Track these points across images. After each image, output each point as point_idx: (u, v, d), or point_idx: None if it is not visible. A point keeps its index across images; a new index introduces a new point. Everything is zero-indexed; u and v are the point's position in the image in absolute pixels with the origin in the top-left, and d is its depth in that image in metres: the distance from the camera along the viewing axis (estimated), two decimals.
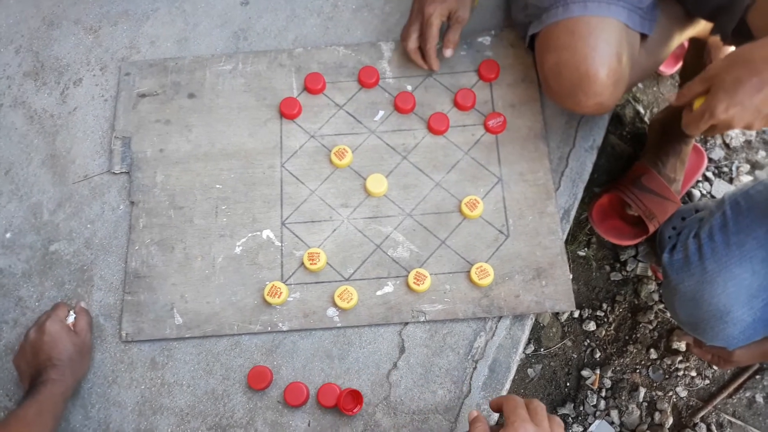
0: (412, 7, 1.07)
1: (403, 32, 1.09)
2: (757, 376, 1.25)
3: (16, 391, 1.00)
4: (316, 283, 1.01)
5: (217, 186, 1.07)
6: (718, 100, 0.76)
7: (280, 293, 0.99)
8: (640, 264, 1.32)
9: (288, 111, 1.10)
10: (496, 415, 0.96)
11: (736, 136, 1.42)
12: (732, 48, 1.04)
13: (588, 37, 0.91)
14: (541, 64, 0.98)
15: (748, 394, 1.25)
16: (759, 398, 1.24)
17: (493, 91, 1.11)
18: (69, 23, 1.23)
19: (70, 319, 0.99)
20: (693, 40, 1.22)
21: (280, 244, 1.04)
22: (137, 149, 1.11)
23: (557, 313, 1.29)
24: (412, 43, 1.08)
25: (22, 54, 1.21)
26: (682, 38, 1.09)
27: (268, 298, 0.99)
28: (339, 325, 1.00)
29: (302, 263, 1.02)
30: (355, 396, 0.95)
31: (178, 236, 1.05)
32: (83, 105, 1.16)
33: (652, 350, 1.27)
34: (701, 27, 1.10)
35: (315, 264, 1.01)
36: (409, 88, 1.12)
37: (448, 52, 1.08)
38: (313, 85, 1.11)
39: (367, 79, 1.11)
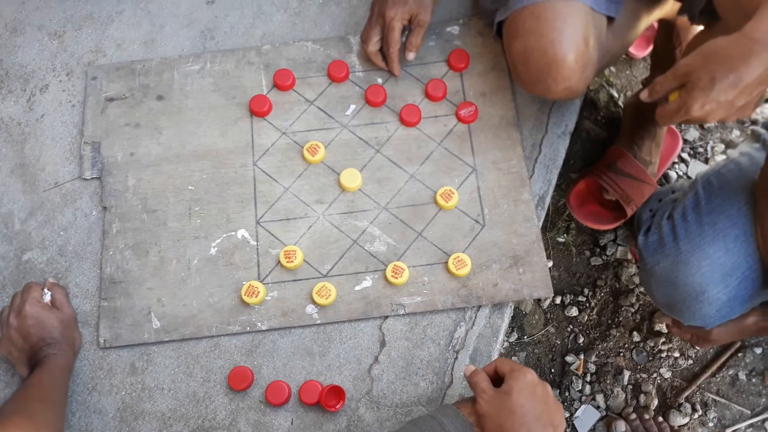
0: (372, 10, 1.05)
1: (363, 34, 1.07)
2: (740, 354, 1.26)
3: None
4: (294, 281, 1.01)
5: (190, 187, 1.06)
6: (693, 98, 0.75)
7: (258, 293, 0.98)
8: (620, 248, 1.32)
9: (258, 109, 1.09)
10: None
11: None
12: (699, 28, 1.04)
13: (554, 22, 0.91)
14: (509, 50, 0.97)
15: (731, 372, 1.25)
16: (742, 376, 1.25)
17: (463, 80, 1.11)
18: (32, 29, 1.21)
19: (47, 297, 0.98)
20: (662, 22, 1.22)
21: (255, 244, 1.03)
22: (107, 154, 1.09)
23: (539, 300, 1.30)
24: (373, 46, 1.07)
25: None
26: (650, 20, 1.09)
27: (246, 298, 0.98)
28: (318, 321, 0.99)
29: (279, 261, 1.01)
30: (338, 392, 0.94)
31: (153, 240, 1.04)
32: (51, 111, 1.15)
33: (635, 333, 1.28)
34: (668, 8, 1.10)
35: (292, 262, 1.00)
36: (380, 80, 1.12)
37: (410, 56, 1.08)
38: (282, 82, 1.10)
39: (336, 73, 1.10)
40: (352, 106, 1.10)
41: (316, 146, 1.06)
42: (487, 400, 0.77)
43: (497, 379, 0.81)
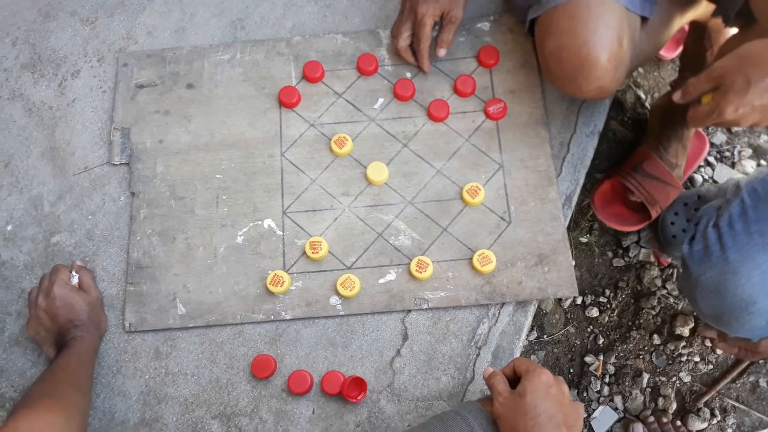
0: (403, 5, 1.05)
1: (393, 29, 1.07)
2: (761, 361, 1.25)
3: (20, 383, 1.00)
4: (319, 271, 1.01)
5: (218, 176, 1.07)
6: (727, 101, 0.74)
7: (283, 282, 0.99)
8: (643, 250, 1.31)
9: (287, 100, 1.09)
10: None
11: None
12: (733, 30, 1.03)
13: (588, 21, 0.91)
14: (541, 48, 0.97)
15: (751, 378, 1.24)
16: (762, 383, 1.24)
17: (492, 77, 1.11)
18: (65, 15, 1.22)
19: (74, 279, 1.00)
20: (693, 24, 1.21)
21: (281, 233, 1.03)
22: (137, 140, 1.10)
23: (560, 300, 1.29)
24: (404, 42, 1.06)
25: (18, 46, 1.20)
26: (683, 21, 1.09)
27: (271, 287, 0.99)
28: (342, 313, 0.99)
29: (304, 252, 1.02)
30: (359, 383, 0.95)
31: (180, 227, 1.05)
32: (81, 97, 1.16)
33: (655, 336, 1.27)
34: (702, 9, 1.09)
35: (317, 253, 1.01)
36: (409, 75, 1.12)
37: (441, 52, 1.07)
38: (311, 74, 1.11)
39: (366, 66, 1.11)
40: (380, 100, 1.10)
41: (344, 139, 1.06)
42: (502, 402, 0.78)
43: (516, 380, 0.81)
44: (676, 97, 0.82)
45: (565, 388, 0.79)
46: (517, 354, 0.99)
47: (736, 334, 0.93)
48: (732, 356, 1.26)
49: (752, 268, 0.86)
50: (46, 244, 1.07)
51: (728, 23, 0.99)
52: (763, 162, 1.37)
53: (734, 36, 1.01)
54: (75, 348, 0.91)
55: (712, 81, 0.77)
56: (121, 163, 1.10)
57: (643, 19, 0.99)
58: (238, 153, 1.08)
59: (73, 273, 1.00)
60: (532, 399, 0.76)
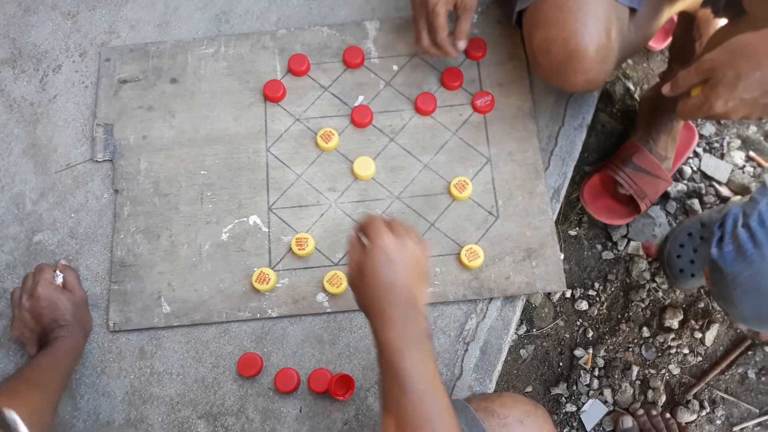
0: (413, 4, 1.01)
1: (414, 35, 1.02)
2: (749, 352, 1.25)
3: None
4: (305, 268, 1.00)
5: (202, 172, 1.06)
6: (717, 94, 0.73)
7: (269, 279, 0.98)
8: (632, 243, 1.31)
9: (272, 94, 1.08)
10: None
11: None
12: (722, 21, 1.02)
13: (577, 12, 0.90)
14: (530, 40, 0.96)
15: (740, 370, 1.25)
16: (751, 374, 1.24)
17: (480, 69, 1.10)
18: (46, 8, 1.20)
19: (59, 279, 0.98)
20: (682, 15, 1.20)
21: (267, 230, 1.02)
22: (120, 136, 1.09)
23: (549, 294, 1.29)
24: (426, 40, 1.01)
25: None
26: (671, 12, 1.08)
27: (257, 285, 0.98)
28: (329, 310, 0.99)
29: (290, 249, 1.01)
30: (347, 381, 0.94)
31: (164, 224, 1.03)
32: (63, 92, 1.14)
33: (644, 328, 1.27)
34: (691, 0, 1.08)
35: (303, 249, 1.00)
36: (395, 67, 1.10)
37: (461, 44, 1.01)
38: (297, 67, 1.09)
39: (352, 59, 1.09)
40: (360, 97, 1.09)
41: (330, 133, 1.05)
42: (350, 269, 0.76)
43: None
44: (666, 89, 0.81)
45: (409, 249, 0.74)
46: (506, 349, 0.98)
47: None
48: (721, 348, 1.26)
49: None
50: (28, 243, 1.05)
51: (717, 14, 0.98)
52: (752, 153, 1.37)
53: (723, 27, 1.01)
54: (52, 349, 0.89)
55: (701, 74, 0.76)
56: (104, 160, 1.09)
57: (632, 11, 0.98)
58: (222, 148, 1.07)
59: (58, 272, 0.99)
60: (367, 277, 0.73)
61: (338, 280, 0.97)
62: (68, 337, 0.92)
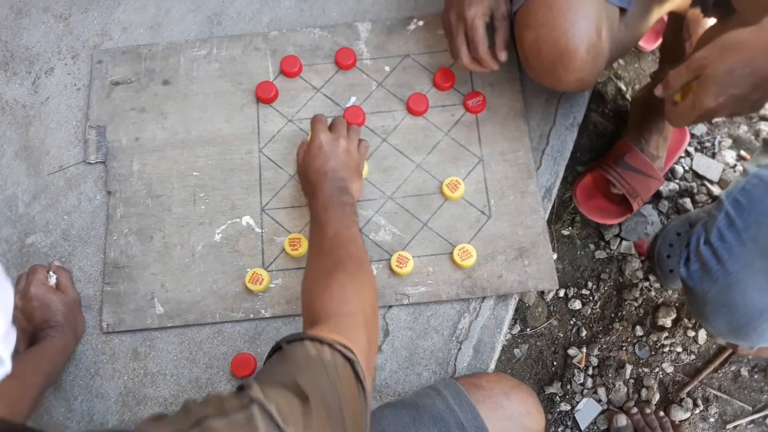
0: (447, 19, 0.98)
1: (451, 50, 1.00)
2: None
3: None
4: (298, 268, 1.00)
5: (195, 173, 1.06)
6: (708, 91, 0.74)
7: (262, 280, 0.98)
8: (624, 242, 1.32)
9: (264, 95, 1.08)
10: None
11: None
12: (712, 21, 1.03)
13: (567, 13, 0.90)
14: (520, 41, 0.96)
15: (733, 368, 1.25)
16: (744, 372, 1.24)
17: None
18: (38, 11, 1.20)
19: (52, 280, 0.98)
20: (672, 15, 1.21)
21: (260, 231, 1.02)
22: (112, 138, 1.09)
23: (543, 293, 1.29)
24: (466, 57, 0.99)
25: None
26: (661, 12, 1.08)
27: (250, 285, 0.98)
28: None
29: (283, 249, 1.01)
30: None
31: (157, 225, 1.03)
32: (56, 94, 1.14)
33: (638, 327, 1.27)
34: (680, 0, 1.09)
35: (296, 250, 1.00)
36: (387, 68, 1.11)
37: (503, 55, 0.98)
38: (289, 69, 1.09)
39: (344, 60, 1.10)
40: (353, 98, 1.09)
41: None
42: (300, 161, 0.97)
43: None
44: (658, 91, 0.82)
45: (342, 144, 0.94)
46: (499, 348, 0.99)
47: (758, 344, 0.90)
48: (714, 346, 1.27)
49: (756, 273, 0.84)
50: (21, 245, 1.05)
51: (707, 14, 0.98)
52: (743, 152, 1.38)
53: (713, 27, 1.01)
54: (39, 345, 0.89)
55: (692, 71, 0.76)
56: (97, 162, 1.09)
57: (622, 11, 0.99)
58: (215, 150, 1.07)
59: (51, 273, 0.99)
60: (305, 165, 0.95)
61: None
62: (58, 337, 0.92)
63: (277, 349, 0.64)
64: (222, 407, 0.49)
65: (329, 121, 1.01)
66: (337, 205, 0.88)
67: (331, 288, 0.76)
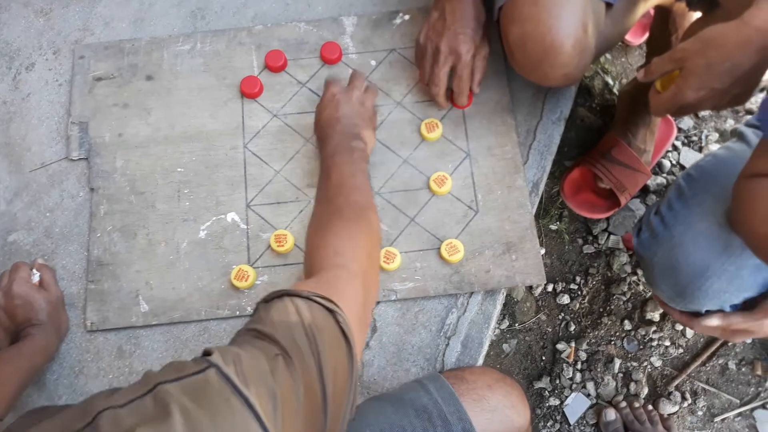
0: (435, 47, 0.98)
1: (430, 78, 1.01)
2: (730, 344, 1.26)
3: None
4: (285, 265, 1.00)
5: (179, 169, 1.05)
6: (688, 84, 0.74)
7: (248, 277, 0.97)
8: (612, 236, 1.32)
9: (249, 90, 1.07)
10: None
11: None
12: (697, 14, 1.03)
13: (552, 8, 0.90)
14: (506, 36, 0.96)
15: (721, 361, 1.26)
16: (731, 365, 1.25)
17: None
18: (18, 6, 1.18)
19: (35, 278, 0.97)
20: (659, 9, 1.21)
21: (245, 227, 1.01)
22: (95, 134, 1.07)
23: (531, 288, 1.29)
24: (443, 88, 1.01)
25: None
26: (647, 6, 1.08)
27: (236, 282, 0.97)
28: None
29: (269, 246, 1.00)
30: None
31: (141, 222, 1.02)
32: (37, 90, 1.12)
33: (626, 321, 1.28)
34: None
35: (282, 246, 0.99)
36: (373, 63, 1.10)
37: (477, 90, 1.03)
38: (274, 63, 1.08)
39: (329, 55, 1.09)
40: None
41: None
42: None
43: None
44: (640, 76, 0.82)
45: (354, 95, 0.97)
46: (487, 342, 0.98)
47: (703, 305, 0.92)
48: (702, 340, 1.27)
49: (696, 235, 0.88)
50: (2, 242, 1.04)
51: (692, 7, 0.98)
52: None
53: (698, 20, 1.01)
54: (19, 343, 0.88)
55: (674, 62, 0.77)
56: (80, 158, 1.07)
57: (608, 5, 0.98)
58: (199, 145, 1.06)
59: (34, 271, 0.98)
60: (317, 117, 0.98)
61: None
62: (39, 335, 0.90)
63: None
64: (179, 372, 0.49)
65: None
66: (346, 150, 0.89)
67: (326, 238, 0.75)
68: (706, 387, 1.24)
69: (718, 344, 1.26)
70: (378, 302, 0.99)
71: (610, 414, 1.20)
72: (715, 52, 0.72)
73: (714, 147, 1.38)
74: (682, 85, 0.75)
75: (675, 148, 1.38)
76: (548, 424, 1.24)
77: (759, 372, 1.24)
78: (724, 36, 0.72)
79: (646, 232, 0.95)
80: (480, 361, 0.97)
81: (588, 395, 1.24)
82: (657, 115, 0.82)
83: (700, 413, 1.23)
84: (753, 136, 0.95)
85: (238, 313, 0.97)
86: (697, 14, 1.02)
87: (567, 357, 1.26)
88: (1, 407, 0.80)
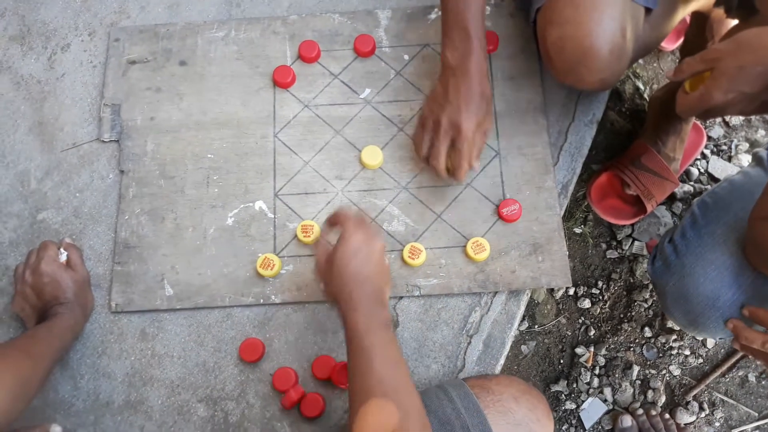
0: (435, 119, 0.95)
1: (432, 152, 0.96)
2: (751, 356, 1.25)
3: None
4: (310, 255, 1.00)
5: (209, 156, 1.05)
6: (718, 85, 0.73)
7: (273, 265, 0.97)
8: (636, 243, 1.31)
9: (281, 80, 1.07)
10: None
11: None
12: (735, 21, 1.02)
13: (592, 12, 0.89)
14: (544, 38, 0.95)
15: (741, 373, 1.24)
16: (751, 377, 1.24)
17: (491, 62, 1.09)
18: None
19: (63, 257, 0.98)
20: (695, 15, 1.19)
21: (273, 216, 1.02)
22: (127, 117, 1.08)
23: (552, 290, 1.28)
24: (443, 162, 0.96)
25: (7, 17, 1.17)
26: (686, 12, 1.07)
27: (261, 271, 0.97)
28: None
29: (296, 235, 1.00)
30: None
31: (169, 206, 1.03)
32: (71, 71, 1.13)
33: (646, 329, 1.27)
34: (705, 0, 1.08)
35: (309, 236, 0.99)
36: (406, 57, 1.10)
37: (477, 165, 0.97)
38: (307, 54, 1.08)
39: (363, 47, 1.09)
40: (368, 90, 1.08)
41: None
42: (319, 269, 0.84)
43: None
44: (670, 74, 0.81)
45: (376, 245, 0.82)
46: (509, 343, 0.98)
47: (715, 334, 0.93)
48: (722, 350, 1.26)
49: (706, 265, 0.88)
50: (32, 221, 1.05)
51: (730, 14, 0.97)
52: None
53: (735, 27, 1.00)
54: (49, 322, 0.89)
55: (706, 62, 0.76)
56: (111, 140, 1.08)
57: (647, 10, 0.97)
58: (230, 132, 1.06)
59: (62, 250, 0.98)
60: (338, 267, 0.80)
61: None
62: (68, 314, 0.91)
63: None
64: None
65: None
66: (378, 325, 0.77)
67: None
68: (725, 398, 1.23)
69: (738, 356, 1.24)
70: (401, 297, 0.99)
71: (627, 421, 1.19)
72: (749, 55, 0.71)
73: (743, 156, 1.36)
74: (711, 86, 0.74)
75: (704, 156, 1.36)
76: (563, 428, 1.23)
77: None
78: (761, 39, 0.71)
79: (660, 260, 0.95)
80: (501, 361, 0.97)
81: (605, 401, 1.24)
82: (683, 115, 0.81)
83: (717, 424, 1.22)
84: None
85: (262, 300, 0.98)
86: (734, 22, 1.01)
87: (585, 361, 1.25)
88: (36, 386, 0.81)
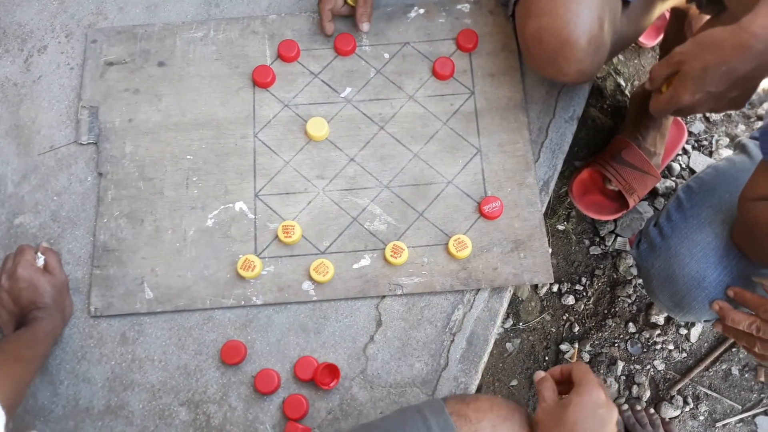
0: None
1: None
2: (734, 349, 1.26)
3: None
4: (291, 256, 0.99)
5: (188, 157, 1.04)
6: (684, 87, 0.74)
7: (254, 267, 0.97)
8: (619, 238, 1.31)
9: (261, 79, 1.06)
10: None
11: None
12: (707, 17, 1.02)
13: (570, 3, 0.89)
14: (522, 30, 0.95)
15: (724, 366, 1.25)
16: (735, 371, 1.25)
17: (472, 60, 1.09)
18: None
19: (40, 261, 0.96)
20: (674, 11, 1.20)
21: (253, 217, 1.01)
22: (105, 119, 1.07)
23: (536, 287, 1.29)
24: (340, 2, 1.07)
25: None
26: (664, 7, 1.08)
27: (242, 272, 0.97)
28: (315, 298, 0.97)
29: (276, 236, 0.99)
30: (332, 370, 0.93)
31: (148, 208, 1.02)
32: (48, 73, 1.12)
33: (630, 324, 1.27)
34: None
35: (290, 237, 0.98)
36: (386, 55, 1.09)
37: (366, 27, 1.09)
38: (287, 53, 1.08)
39: (343, 46, 1.08)
40: (348, 89, 1.08)
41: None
42: (544, 409, 0.74)
43: (566, 381, 0.78)
44: (647, 84, 0.82)
45: (615, 414, 0.73)
46: (492, 340, 0.98)
47: (701, 316, 0.94)
48: (705, 344, 1.26)
49: (692, 246, 0.89)
50: (9, 225, 1.03)
51: (701, 9, 0.98)
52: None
53: (706, 23, 1.01)
54: (31, 327, 0.87)
55: (671, 66, 0.77)
56: (89, 143, 1.07)
57: (625, 3, 0.98)
58: (209, 133, 1.05)
59: (39, 254, 0.97)
60: (574, 414, 0.71)
61: (324, 269, 0.96)
62: (47, 319, 0.90)
63: None
64: None
65: None
66: None
67: None
68: (709, 392, 1.24)
69: (722, 349, 1.25)
70: (384, 296, 0.98)
71: None
72: (711, 56, 0.72)
73: (724, 151, 1.37)
74: (678, 88, 0.75)
75: (685, 151, 1.37)
76: None
77: (762, 378, 1.24)
78: (721, 40, 0.72)
79: (645, 243, 0.97)
80: (485, 358, 0.97)
81: None
82: (656, 115, 0.83)
83: (701, 418, 1.23)
84: (755, 148, 0.96)
85: (243, 302, 0.97)
86: (706, 17, 1.02)
87: (570, 358, 1.26)
88: (25, 391, 0.81)
